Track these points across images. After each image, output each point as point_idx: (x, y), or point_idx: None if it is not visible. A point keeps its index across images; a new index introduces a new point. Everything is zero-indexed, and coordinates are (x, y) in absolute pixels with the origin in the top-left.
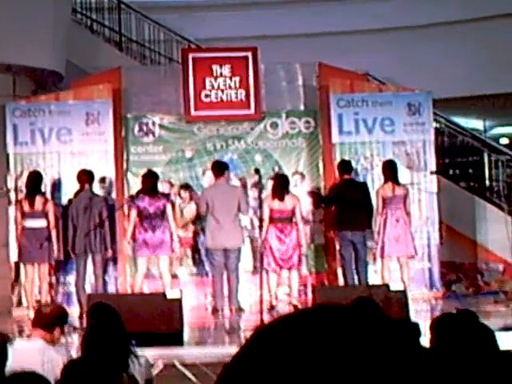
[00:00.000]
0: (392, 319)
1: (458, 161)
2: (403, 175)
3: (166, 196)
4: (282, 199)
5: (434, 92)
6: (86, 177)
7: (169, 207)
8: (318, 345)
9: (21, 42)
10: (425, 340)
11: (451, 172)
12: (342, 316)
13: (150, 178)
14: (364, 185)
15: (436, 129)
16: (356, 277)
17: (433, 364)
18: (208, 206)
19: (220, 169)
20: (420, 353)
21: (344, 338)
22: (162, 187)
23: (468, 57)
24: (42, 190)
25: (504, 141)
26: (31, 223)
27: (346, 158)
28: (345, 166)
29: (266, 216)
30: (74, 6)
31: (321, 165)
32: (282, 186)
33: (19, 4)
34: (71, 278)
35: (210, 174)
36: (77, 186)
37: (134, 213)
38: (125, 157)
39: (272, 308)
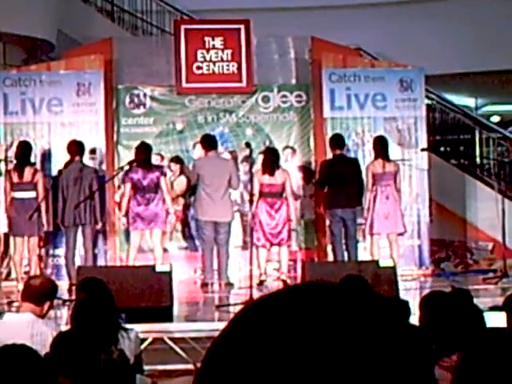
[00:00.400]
0: (382, 298)
1: (449, 138)
2: (394, 151)
3: (160, 168)
4: (272, 174)
5: (426, 68)
6: (76, 148)
7: (163, 180)
8: (306, 322)
9: (12, 11)
10: (414, 318)
11: (442, 149)
12: (331, 294)
13: (144, 150)
14: (355, 161)
15: (428, 105)
16: (346, 253)
17: (421, 343)
18: (199, 178)
19: (210, 143)
20: (408, 332)
21: (333, 316)
22: (153, 160)
23: (461, 34)
24: (32, 160)
25: (495, 119)
26: (20, 194)
27: (338, 132)
28: (337, 140)
29: (256, 190)
30: None
31: (312, 139)
32: (272, 160)
33: None
34: (61, 251)
35: (200, 146)
36: (67, 157)
37: (128, 186)
38: (115, 128)
39: (261, 283)
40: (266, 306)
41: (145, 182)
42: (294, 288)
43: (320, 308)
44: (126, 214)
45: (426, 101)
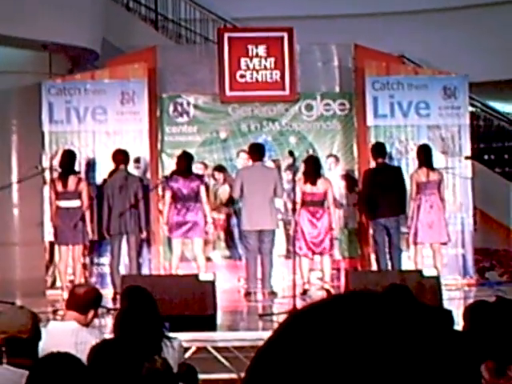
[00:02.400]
0: (426, 306)
1: (494, 146)
2: (438, 160)
3: (200, 177)
4: (313, 183)
5: (470, 75)
6: (121, 157)
7: (202, 189)
8: (351, 332)
9: (57, 20)
10: (458, 328)
11: (486, 157)
12: (375, 303)
13: (185, 159)
14: (398, 169)
15: (471, 113)
16: (389, 262)
17: (467, 348)
18: (243, 188)
19: (259, 152)
20: (454, 339)
21: (377, 325)
22: (196, 168)
23: (505, 40)
24: (76, 169)
25: None
26: (65, 203)
27: (381, 141)
28: (378, 149)
29: (298, 199)
30: None
31: (355, 148)
32: (313, 169)
33: None
34: (105, 259)
35: (243, 155)
36: (111, 166)
37: (168, 194)
38: (159, 137)
39: (305, 292)
40: (311, 316)
41: (185, 191)
42: (337, 297)
43: (364, 317)
44: (167, 223)
45: (470, 108)
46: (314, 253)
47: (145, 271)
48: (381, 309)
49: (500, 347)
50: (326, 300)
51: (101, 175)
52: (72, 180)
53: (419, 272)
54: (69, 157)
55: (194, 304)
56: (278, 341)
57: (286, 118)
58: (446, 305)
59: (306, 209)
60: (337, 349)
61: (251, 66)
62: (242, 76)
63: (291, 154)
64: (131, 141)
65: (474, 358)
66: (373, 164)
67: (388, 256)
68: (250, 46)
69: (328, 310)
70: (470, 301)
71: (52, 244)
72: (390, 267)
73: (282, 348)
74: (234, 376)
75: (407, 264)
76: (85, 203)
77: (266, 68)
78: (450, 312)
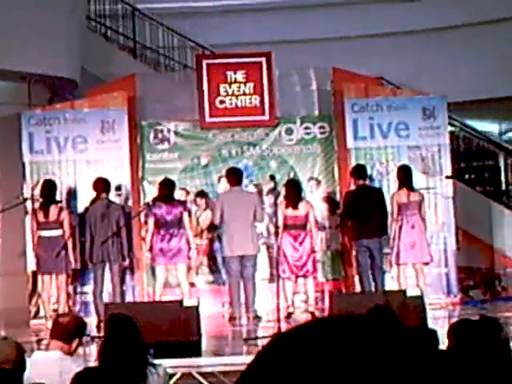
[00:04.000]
0: (408, 329)
1: (474, 165)
2: (418, 180)
3: (183, 204)
4: (295, 206)
5: (448, 95)
6: (102, 185)
7: (185, 215)
8: (332, 355)
9: (35, 51)
10: (442, 347)
11: (467, 176)
12: (358, 326)
13: (167, 186)
14: (379, 190)
15: (451, 133)
16: (373, 283)
17: (449, 369)
18: (223, 214)
19: (237, 177)
20: (437, 360)
21: (359, 348)
22: (178, 195)
23: (483, 59)
24: (58, 198)
25: None
26: (46, 233)
27: (362, 162)
28: (359, 171)
29: (280, 223)
30: (89, 13)
31: (336, 170)
32: (294, 192)
33: (33, 12)
34: (88, 288)
35: (225, 180)
36: (92, 194)
37: (151, 221)
38: (140, 164)
39: (289, 316)
40: (292, 341)
41: (168, 218)
42: (320, 320)
43: (346, 340)
44: (151, 250)
45: (450, 128)
46: (297, 276)
47: (129, 298)
48: (363, 332)
49: (484, 365)
50: (308, 323)
51: (82, 204)
52: (53, 209)
53: (403, 292)
54: (49, 186)
55: (178, 330)
56: (259, 365)
57: (266, 143)
58: (431, 324)
59: (287, 232)
60: (318, 372)
61: (230, 92)
62: (222, 102)
63: (272, 178)
64: (112, 169)
65: (459, 377)
66: (354, 186)
67: (371, 277)
68: (228, 72)
69: (310, 333)
70: (455, 320)
71: (35, 273)
72: (373, 288)
73: (263, 373)
74: None
75: (391, 284)
76: (66, 232)
77: (245, 93)
78: (434, 332)
